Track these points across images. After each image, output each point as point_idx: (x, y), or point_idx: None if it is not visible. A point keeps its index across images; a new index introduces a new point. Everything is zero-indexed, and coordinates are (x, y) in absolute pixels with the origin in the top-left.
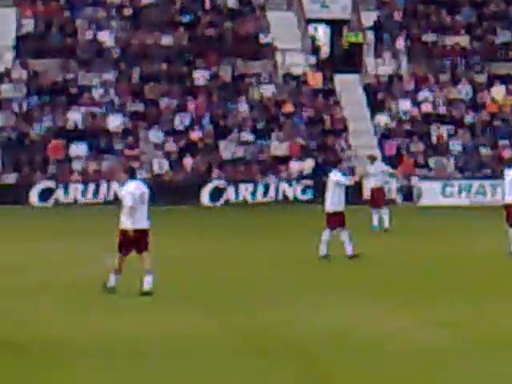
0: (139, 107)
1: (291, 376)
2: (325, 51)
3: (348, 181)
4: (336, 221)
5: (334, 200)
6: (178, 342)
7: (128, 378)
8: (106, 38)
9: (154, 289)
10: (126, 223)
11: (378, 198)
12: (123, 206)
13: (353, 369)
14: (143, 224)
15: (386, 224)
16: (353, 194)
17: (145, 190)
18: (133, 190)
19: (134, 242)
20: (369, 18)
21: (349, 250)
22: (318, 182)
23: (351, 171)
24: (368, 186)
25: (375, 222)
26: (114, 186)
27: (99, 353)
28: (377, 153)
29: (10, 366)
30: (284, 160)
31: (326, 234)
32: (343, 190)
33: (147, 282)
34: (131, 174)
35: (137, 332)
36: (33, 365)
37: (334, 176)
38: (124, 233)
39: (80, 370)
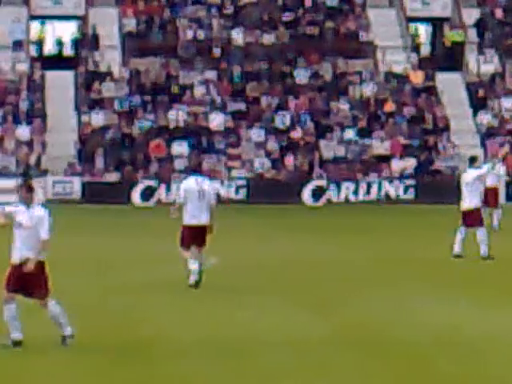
0: (240, 106)
1: (401, 374)
2: (426, 49)
3: (486, 170)
4: (473, 219)
5: (471, 197)
6: (281, 338)
7: (235, 375)
8: (207, 36)
9: (223, 285)
10: (189, 220)
11: (491, 199)
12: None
13: (461, 366)
14: (203, 220)
15: (496, 224)
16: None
17: (204, 186)
18: (187, 187)
19: (192, 237)
20: (470, 15)
21: (483, 250)
22: (420, 181)
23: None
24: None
25: (495, 221)
26: (216, 184)
27: (204, 351)
28: (479, 152)
29: (118, 363)
30: (386, 159)
31: (461, 233)
32: (481, 188)
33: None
34: (193, 169)
35: (241, 330)
36: (139, 363)
37: (474, 172)
38: (188, 228)
39: (186, 368)
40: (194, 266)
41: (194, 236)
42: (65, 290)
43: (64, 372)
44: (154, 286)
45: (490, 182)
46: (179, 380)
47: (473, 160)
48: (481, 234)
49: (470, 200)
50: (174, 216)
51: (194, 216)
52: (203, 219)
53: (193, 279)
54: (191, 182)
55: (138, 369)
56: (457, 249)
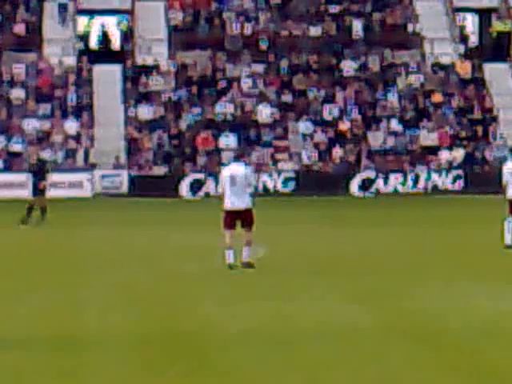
0: (288, 98)
1: (449, 364)
2: (473, 40)
3: None
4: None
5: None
6: (330, 328)
7: (283, 365)
8: (254, 29)
9: (270, 275)
10: (226, 204)
11: None
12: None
13: (508, 359)
14: (240, 204)
15: None
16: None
17: (239, 172)
18: (223, 174)
19: (232, 220)
20: None
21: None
22: (468, 172)
23: None
24: None
25: None
26: (264, 177)
27: (252, 342)
28: None
29: (166, 354)
30: (433, 150)
31: (509, 222)
32: None
33: (247, 255)
34: (235, 157)
35: (288, 320)
36: (187, 354)
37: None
38: (225, 213)
39: (234, 359)
40: (231, 259)
41: (234, 219)
42: (115, 281)
43: (113, 364)
44: (201, 277)
45: None
46: (227, 371)
47: None
48: None
49: None
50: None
51: (231, 201)
52: (240, 204)
53: (230, 260)
54: (226, 169)
55: (185, 359)
56: (508, 240)
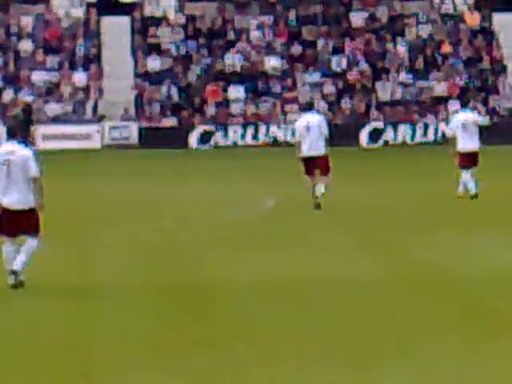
0: (296, 49)
1: (457, 314)
2: None
3: (486, 121)
4: (471, 160)
5: (473, 139)
6: (339, 280)
7: (294, 315)
8: None
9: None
10: (302, 152)
11: None
12: None
13: None
14: (312, 152)
15: None
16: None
17: (311, 122)
18: (300, 123)
19: (312, 167)
20: None
21: (472, 189)
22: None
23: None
24: None
25: None
26: (273, 128)
27: (263, 292)
28: None
29: (177, 305)
30: (443, 100)
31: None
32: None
33: (319, 190)
34: (308, 107)
35: (299, 271)
36: (197, 304)
37: (473, 116)
38: (302, 160)
39: (244, 310)
40: (317, 191)
41: (312, 166)
42: (125, 232)
43: (124, 313)
44: (212, 228)
45: None
46: (238, 322)
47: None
48: None
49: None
50: (298, 154)
51: (307, 149)
52: (315, 151)
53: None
54: (301, 119)
55: (196, 310)
56: (461, 189)
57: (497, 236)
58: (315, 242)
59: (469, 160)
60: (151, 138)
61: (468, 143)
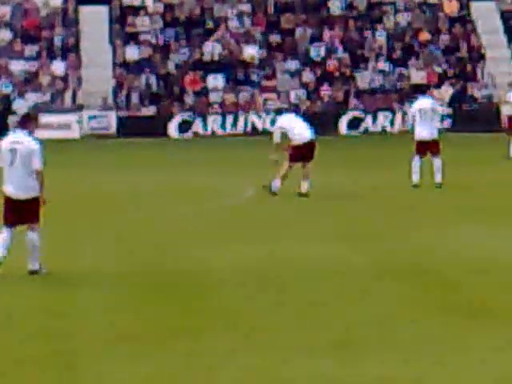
0: (275, 38)
1: (437, 300)
2: None
3: (444, 111)
4: (428, 148)
5: (431, 127)
6: (320, 268)
7: (276, 304)
8: None
9: (260, 216)
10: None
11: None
12: None
13: (495, 294)
14: (428, 135)
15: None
16: (490, 121)
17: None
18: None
19: (424, 149)
20: None
21: (437, 178)
22: (456, 110)
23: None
24: (506, 113)
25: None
26: (252, 116)
27: (244, 282)
28: None
29: (166, 289)
30: (421, 88)
31: (418, 162)
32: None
33: (303, 187)
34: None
35: (279, 261)
36: (180, 294)
37: (431, 103)
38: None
39: (227, 299)
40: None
41: (425, 148)
42: (105, 222)
43: (103, 303)
44: (192, 218)
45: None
46: (218, 311)
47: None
48: None
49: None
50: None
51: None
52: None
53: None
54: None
55: (175, 299)
56: (415, 179)
57: (477, 224)
58: (295, 230)
59: (426, 148)
60: (130, 127)
61: (425, 131)
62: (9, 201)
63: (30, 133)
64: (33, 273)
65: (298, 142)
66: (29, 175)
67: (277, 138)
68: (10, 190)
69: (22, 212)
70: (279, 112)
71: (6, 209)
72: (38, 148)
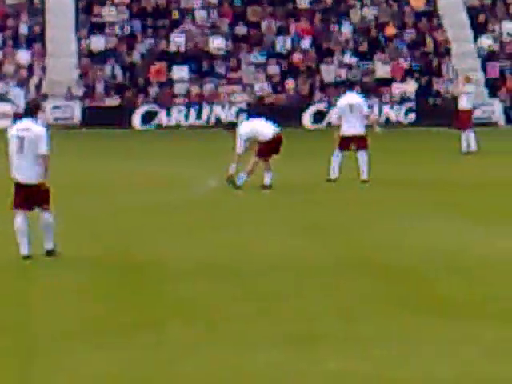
0: (241, 30)
1: (402, 295)
2: None
3: (370, 113)
4: (354, 143)
5: (357, 123)
6: (281, 261)
7: (236, 296)
8: None
9: (222, 207)
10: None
11: (466, 120)
12: None
13: (457, 289)
14: (355, 131)
15: (473, 146)
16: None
17: (355, 101)
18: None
19: (348, 144)
20: None
21: (364, 174)
22: (420, 105)
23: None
24: (460, 107)
25: (464, 144)
26: (217, 108)
27: (204, 273)
28: (480, 75)
29: (125, 282)
30: (386, 82)
31: (338, 157)
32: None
33: (267, 179)
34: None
35: (240, 253)
36: (143, 284)
37: (357, 98)
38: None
39: (188, 289)
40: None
41: (349, 143)
42: (68, 212)
43: (64, 294)
44: (154, 209)
45: (465, 105)
46: (179, 302)
47: (468, 79)
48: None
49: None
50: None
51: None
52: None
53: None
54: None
55: (137, 291)
56: (335, 173)
57: (440, 218)
58: (257, 223)
59: (350, 143)
60: (94, 117)
61: (353, 126)
62: (19, 186)
63: (37, 120)
64: (49, 252)
65: (265, 139)
66: (37, 161)
67: (240, 149)
68: (20, 177)
69: (33, 197)
70: (241, 111)
71: (16, 194)
72: (45, 133)
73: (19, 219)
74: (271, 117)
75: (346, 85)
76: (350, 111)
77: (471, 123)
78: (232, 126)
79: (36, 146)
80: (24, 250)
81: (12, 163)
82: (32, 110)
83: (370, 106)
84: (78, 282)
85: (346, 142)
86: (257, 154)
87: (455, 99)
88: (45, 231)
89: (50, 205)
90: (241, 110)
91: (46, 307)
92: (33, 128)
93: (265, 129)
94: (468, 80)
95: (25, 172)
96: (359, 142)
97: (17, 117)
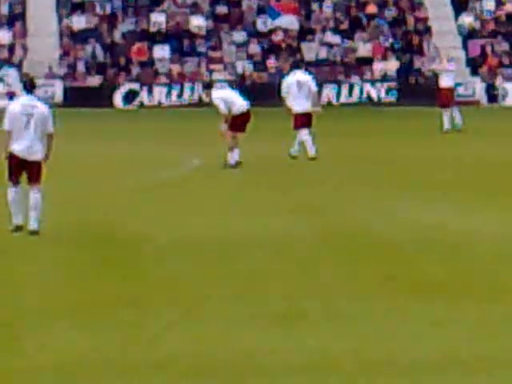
0: (222, 9)
1: (381, 275)
2: None
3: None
4: (304, 121)
5: (305, 100)
6: (262, 240)
7: (217, 274)
8: None
9: (200, 188)
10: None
11: (448, 98)
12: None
13: (435, 268)
14: (305, 107)
15: (459, 124)
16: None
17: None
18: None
19: (244, 122)
20: None
21: (311, 151)
22: (402, 83)
23: None
24: (443, 85)
25: (446, 122)
26: (198, 87)
27: (185, 252)
28: (461, 53)
29: (108, 260)
30: (368, 61)
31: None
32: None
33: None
34: (298, 65)
35: (218, 231)
36: (127, 260)
37: (304, 76)
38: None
39: (169, 268)
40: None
41: (303, 120)
42: (50, 192)
43: (44, 271)
44: (136, 189)
45: (446, 83)
46: (161, 281)
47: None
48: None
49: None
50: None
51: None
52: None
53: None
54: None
55: (118, 268)
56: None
57: (419, 198)
58: (238, 202)
59: (305, 120)
60: (76, 96)
61: (303, 103)
62: (16, 160)
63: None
64: (33, 233)
65: (237, 112)
66: (40, 138)
67: (223, 109)
68: (21, 150)
69: (28, 172)
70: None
71: (12, 168)
72: (50, 111)
73: (14, 190)
74: (253, 95)
75: (294, 62)
76: (299, 88)
77: (454, 101)
78: (209, 86)
79: (43, 124)
80: (18, 220)
81: (14, 138)
82: (31, 85)
83: (318, 85)
84: (60, 260)
85: (301, 119)
86: (230, 128)
87: (436, 77)
88: (33, 210)
89: (40, 183)
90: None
91: (28, 286)
92: (39, 106)
93: (239, 100)
94: (450, 58)
95: (27, 147)
96: (308, 119)
97: (11, 95)
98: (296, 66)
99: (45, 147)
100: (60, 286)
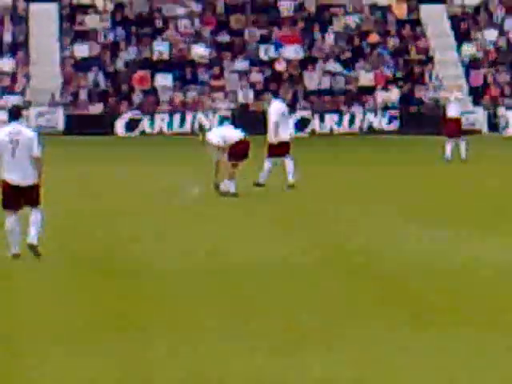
0: (224, 38)
1: (380, 298)
2: None
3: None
4: (282, 150)
5: (288, 128)
6: (263, 263)
7: (216, 299)
8: None
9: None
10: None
11: (455, 128)
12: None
13: (444, 293)
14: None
15: (463, 154)
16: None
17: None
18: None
19: (242, 150)
20: None
21: (290, 178)
22: (403, 112)
23: None
24: (449, 115)
25: (448, 152)
26: (200, 116)
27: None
28: (463, 83)
29: (107, 285)
30: (369, 90)
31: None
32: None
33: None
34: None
35: (222, 257)
36: (125, 285)
37: (282, 107)
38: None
39: (168, 290)
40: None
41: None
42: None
43: (50, 286)
44: (137, 214)
45: (453, 113)
46: (163, 306)
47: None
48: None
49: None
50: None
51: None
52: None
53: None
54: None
55: (125, 292)
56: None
57: (420, 224)
58: (239, 227)
59: (283, 149)
60: (78, 124)
61: (284, 132)
62: (11, 188)
63: (22, 123)
64: (32, 247)
65: (234, 140)
66: (30, 163)
67: (218, 140)
68: (14, 179)
69: (25, 198)
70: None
71: (8, 195)
72: (35, 136)
73: (12, 219)
74: (255, 124)
75: (273, 92)
76: (283, 117)
77: (460, 131)
78: (203, 129)
79: (29, 149)
80: (15, 250)
81: (5, 166)
82: (16, 113)
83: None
84: (60, 286)
85: (279, 148)
86: (228, 158)
87: (438, 107)
88: (33, 226)
89: (40, 204)
90: (224, 118)
91: (28, 311)
92: (23, 131)
93: (233, 133)
94: (458, 88)
95: (20, 174)
96: (287, 147)
97: None
98: (274, 95)
99: (36, 171)
100: (60, 312)
